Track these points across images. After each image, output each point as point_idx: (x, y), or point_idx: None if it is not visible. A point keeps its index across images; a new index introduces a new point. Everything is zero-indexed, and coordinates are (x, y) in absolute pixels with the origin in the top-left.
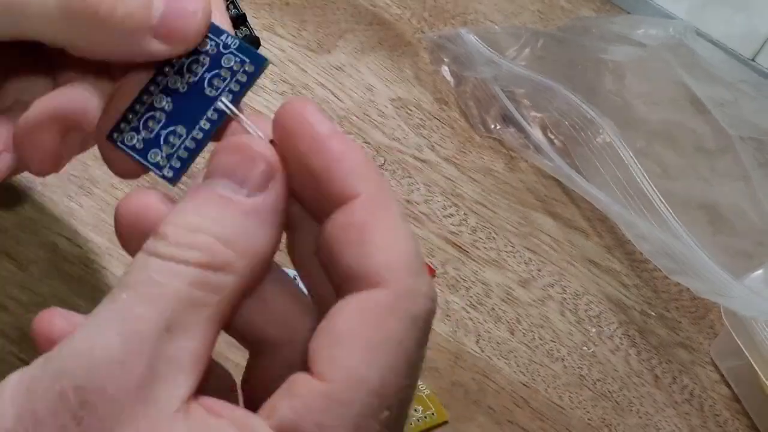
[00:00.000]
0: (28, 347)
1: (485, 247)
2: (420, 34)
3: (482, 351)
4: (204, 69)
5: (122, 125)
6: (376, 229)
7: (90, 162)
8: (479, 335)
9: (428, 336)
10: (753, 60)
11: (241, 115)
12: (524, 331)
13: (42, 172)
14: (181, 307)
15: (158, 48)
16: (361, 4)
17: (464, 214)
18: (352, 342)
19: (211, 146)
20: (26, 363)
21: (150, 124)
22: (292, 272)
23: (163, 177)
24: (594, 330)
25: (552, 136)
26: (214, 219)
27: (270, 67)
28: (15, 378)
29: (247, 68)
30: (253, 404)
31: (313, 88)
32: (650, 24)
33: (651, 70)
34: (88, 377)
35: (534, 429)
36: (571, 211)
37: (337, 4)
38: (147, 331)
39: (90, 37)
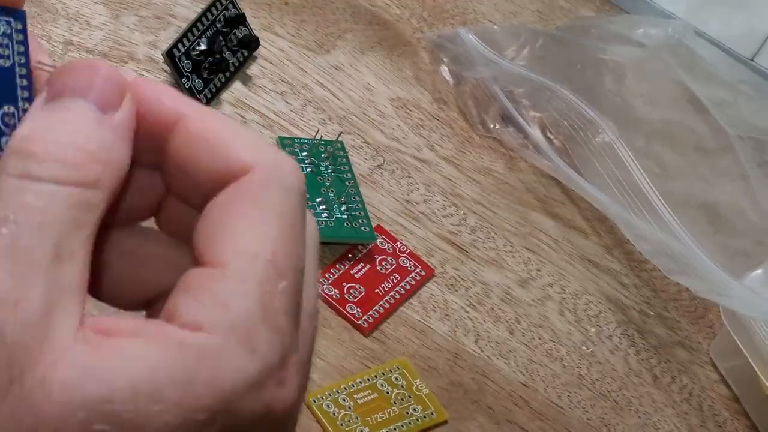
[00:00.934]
0: None
1: (484, 247)
2: (419, 34)
3: (482, 351)
4: None
5: None
6: (222, 129)
7: None
8: (478, 335)
9: (305, 205)
10: (752, 60)
11: (56, 64)
12: (523, 330)
13: None
14: (66, 230)
15: None
16: (361, 4)
17: (463, 213)
18: (235, 223)
19: None
20: None
21: None
22: None
23: None
24: (593, 330)
25: (551, 136)
26: (82, 135)
27: (269, 66)
28: None
29: (15, 26)
30: None
31: (313, 87)
32: (649, 24)
33: (650, 70)
34: None
35: (533, 429)
36: (570, 210)
37: (336, 4)
38: (38, 263)
39: None
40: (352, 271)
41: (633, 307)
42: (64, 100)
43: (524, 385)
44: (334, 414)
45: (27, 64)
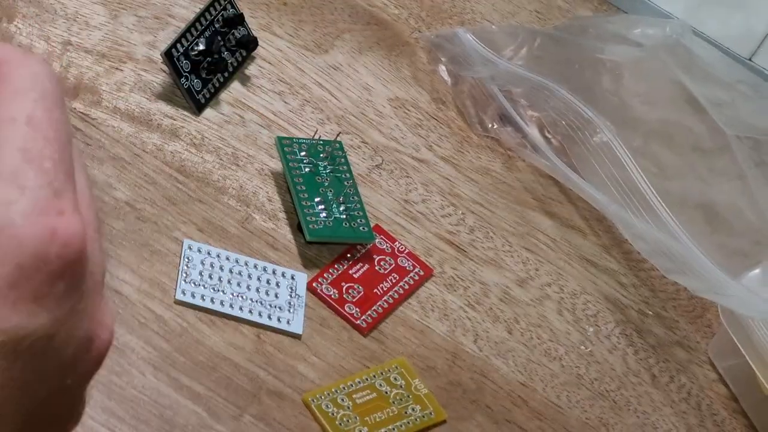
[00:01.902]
0: None
1: (483, 247)
2: (417, 34)
3: (480, 350)
4: None
5: None
6: None
7: (87, 162)
8: (477, 335)
9: (59, 92)
10: (750, 60)
11: None
12: (522, 330)
13: None
14: None
15: None
16: (359, 4)
17: (462, 213)
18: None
19: None
20: None
21: None
22: (290, 271)
23: None
24: (591, 329)
25: (549, 136)
26: None
27: (267, 66)
28: None
29: None
30: None
31: (311, 87)
32: (647, 24)
33: (648, 70)
34: None
35: (532, 428)
36: (568, 210)
37: (334, 4)
38: None
39: None
40: (350, 271)
41: (631, 306)
42: None
43: (523, 384)
44: (332, 414)
45: None
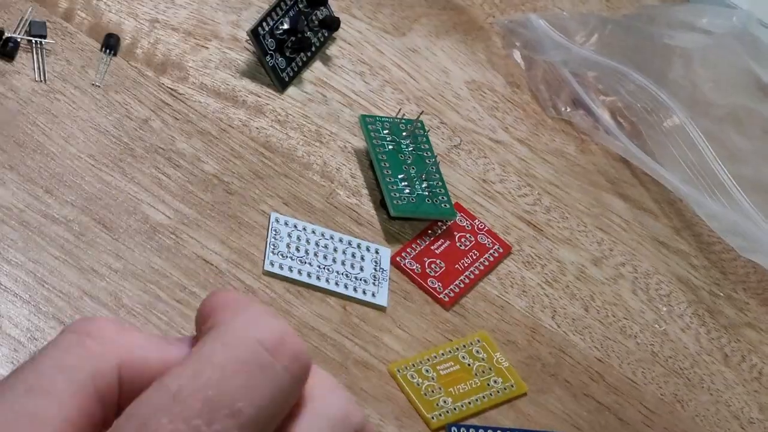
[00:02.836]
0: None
1: (559, 227)
2: (491, 19)
3: (558, 326)
4: None
5: None
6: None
7: (176, 135)
8: (555, 311)
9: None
10: None
11: None
12: (598, 308)
13: None
14: None
15: None
16: None
17: (538, 194)
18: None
19: None
20: None
21: None
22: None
23: None
24: (665, 309)
25: (621, 119)
26: None
27: (347, 47)
28: None
29: None
30: None
31: (390, 69)
32: (714, 13)
33: (717, 57)
34: None
35: (609, 403)
36: (640, 192)
37: None
38: None
39: None
40: (432, 247)
41: (703, 287)
42: None
43: (599, 360)
44: (418, 384)
45: None
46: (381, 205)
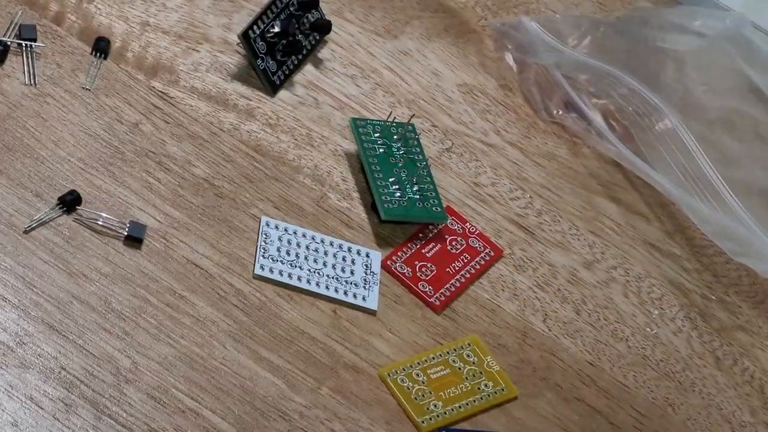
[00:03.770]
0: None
1: (550, 230)
2: (484, 22)
3: (549, 330)
4: None
5: None
6: None
7: (166, 139)
8: (546, 314)
9: None
10: None
11: None
12: (589, 311)
13: None
14: None
15: None
16: None
17: (530, 197)
18: None
19: None
20: (109, 333)
21: None
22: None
23: None
24: (656, 312)
25: (613, 123)
26: None
27: (339, 50)
28: None
29: None
30: None
31: (382, 72)
32: (707, 15)
33: (710, 60)
34: None
35: (600, 406)
36: (632, 196)
37: None
38: None
39: None
40: (423, 250)
41: (695, 291)
42: None
43: (591, 364)
44: (408, 388)
45: None
46: (372, 208)
